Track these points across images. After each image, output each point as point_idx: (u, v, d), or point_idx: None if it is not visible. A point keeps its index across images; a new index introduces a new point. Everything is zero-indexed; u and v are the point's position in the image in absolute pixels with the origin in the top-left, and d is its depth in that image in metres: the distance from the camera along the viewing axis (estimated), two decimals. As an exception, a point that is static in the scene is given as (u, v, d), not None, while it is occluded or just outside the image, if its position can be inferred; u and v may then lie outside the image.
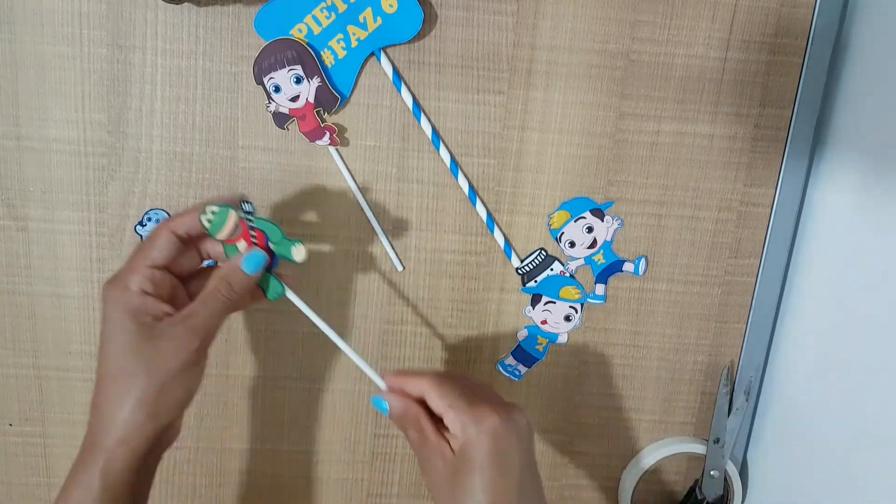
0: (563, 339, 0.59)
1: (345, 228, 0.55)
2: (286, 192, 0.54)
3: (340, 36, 0.51)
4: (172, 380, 0.42)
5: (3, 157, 0.52)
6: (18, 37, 0.50)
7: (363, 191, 0.55)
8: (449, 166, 0.54)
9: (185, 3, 0.50)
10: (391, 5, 0.50)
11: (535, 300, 0.58)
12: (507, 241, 0.56)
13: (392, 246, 0.56)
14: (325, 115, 0.52)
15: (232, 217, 0.44)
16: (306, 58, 0.51)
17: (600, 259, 0.57)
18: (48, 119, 0.52)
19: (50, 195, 0.53)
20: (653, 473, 0.62)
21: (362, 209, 0.55)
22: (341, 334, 0.57)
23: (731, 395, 0.60)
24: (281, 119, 0.52)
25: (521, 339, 0.59)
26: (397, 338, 0.58)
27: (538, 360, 0.59)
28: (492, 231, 0.56)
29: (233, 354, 0.57)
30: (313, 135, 0.53)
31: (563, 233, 0.56)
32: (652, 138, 0.55)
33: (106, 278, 0.44)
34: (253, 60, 0.51)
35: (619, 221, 0.56)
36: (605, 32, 0.53)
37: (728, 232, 0.57)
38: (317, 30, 0.51)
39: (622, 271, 0.58)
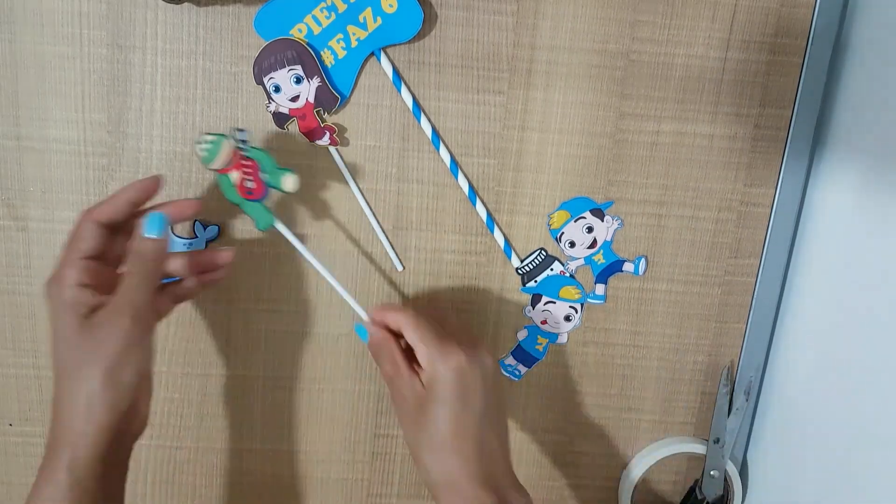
0: (563, 339, 0.59)
1: (345, 228, 0.55)
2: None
3: (340, 36, 0.51)
4: (118, 364, 0.42)
5: (3, 157, 0.52)
6: (18, 37, 0.50)
7: (363, 191, 0.55)
8: (449, 166, 0.54)
9: (185, 3, 0.50)
10: (391, 5, 0.50)
11: (535, 300, 0.58)
12: (507, 241, 0.56)
13: (392, 246, 0.56)
14: (325, 115, 0.52)
15: (226, 146, 0.45)
16: (306, 58, 0.51)
17: (600, 259, 0.57)
18: (48, 119, 0.52)
19: (50, 195, 0.53)
20: (653, 473, 0.62)
21: (362, 209, 0.55)
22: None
23: (731, 395, 0.60)
24: (281, 119, 0.52)
25: (521, 339, 0.59)
26: (397, 338, 0.58)
27: (538, 360, 0.59)
28: (492, 231, 0.56)
29: (233, 354, 0.57)
30: (313, 135, 0.53)
31: (563, 233, 0.56)
32: (652, 138, 0.55)
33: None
34: (253, 60, 0.51)
35: (619, 221, 0.56)
36: (605, 32, 0.53)
37: (728, 232, 0.57)
38: (317, 30, 0.51)
39: (622, 271, 0.58)
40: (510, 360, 0.59)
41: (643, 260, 0.57)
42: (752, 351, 0.60)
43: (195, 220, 0.54)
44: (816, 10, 0.53)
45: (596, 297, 0.58)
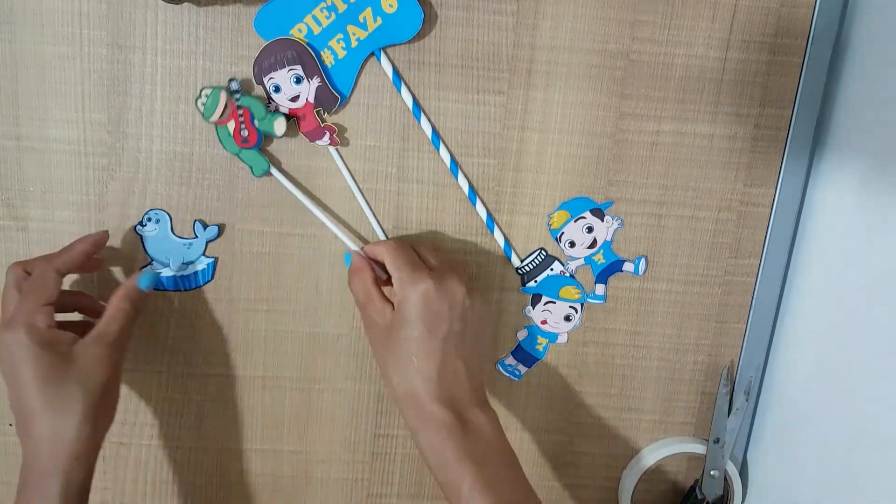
0: (563, 339, 0.59)
1: (344, 228, 0.55)
2: (286, 193, 0.54)
3: (340, 36, 0.51)
4: (106, 391, 0.47)
5: (3, 157, 0.52)
6: (18, 37, 0.50)
7: (363, 191, 0.55)
8: (449, 166, 0.54)
9: (185, 3, 0.50)
10: (391, 5, 0.50)
11: (535, 300, 0.58)
12: (507, 241, 0.56)
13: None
14: (326, 115, 0.52)
15: (222, 98, 0.50)
16: (306, 58, 0.51)
17: (600, 259, 0.57)
18: (48, 119, 0.52)
19: (50, 195, 0.53)
20: (653, 473, 0.62)
21: (359, 210, 0.55)
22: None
23: (731, 395, 0.60)
24: (281, 119, 0.52)
25: (521, 339, 0.59)
26: (397, 338, 0.58)
27: (538, 360, 0.59)
28: (492, 231, 0.56)
29: (233, 354, 0.57)
30: (313, 135, 0.53)
31: (563, 233, 0.56)
32: (652, 138, 0.55)
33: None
34: (253, 61, 0.51)
35: (619, 221, 0.56)
36: (605, 32, 0.53)
37: (728, 232, 0.57)
38: (317, 30, 0.51)
39: (622, 271, 0.58)
40: (510, 360, 0.59)
41: (643, 260, 0.57)
42: (752, 351, 0.60)
43: (195, 220, 0.54)
44: (816, 10, 0.53)
45: (596, 297, 0.58)
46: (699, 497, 0.61)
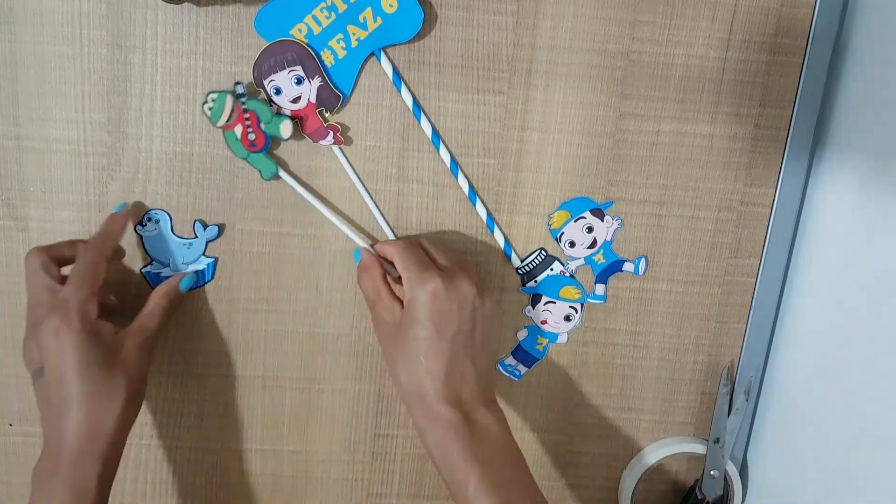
0: (563, 339, 0.59)
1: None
2: (286, 193, 0.54)
3: (340, 36, 0.51)
4: (142, 378, 0.50)
5: (3, 157, 0.52)
6: (18, 37, 0.50)
7: (363, 191, 0.55)
8: (449, 166, 0.54)
9: (185, 3, 0.50)
10: (391, 5, 0.50)
11: (535, 300, 0.58)
12: (507, 241, 0.56)
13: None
14: (328, 115, 0.52)
15: (228, 102, 0.50)
16: (306, 58, 0.51)
17: (600, 259, 0.57)
18: (48, 119, 0.52)
19: (50, 195, 0.53)
20: (653, 473, 0.62)
21: (362, 209, 0.55)
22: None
23: (731, 395, 0.60)
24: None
25: (521, 339, 0.59)
26: (397, 338, 0.58)
27: (538, 360, 0.59)
28: (492, 231, 0.56)
29: (233, 354, 0.57)
30: (317, 135, 0.53)
31: (563, 233, 0.56)
32: (652, 138, 0.55)
33: (51, 315, 0.47)
34: (253, 61, 0.51)
35: (619, 221, 0.56)
36: (605, 32, 0.53)
37: (728, 232, 0.57)
38: (317, 30, 0.51)
39: (622, 271, 0.58)
40: (510, 360, 0.59)
41: (643, 260, 0.57)
42: (752, 351, 0.60)
43: (195, 221, 0.54)
44: (816, 10, 0.53)
45: (596, 297, 0.58)
46: (699, 497, 0.61)
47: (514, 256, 0.57)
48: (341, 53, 0.51)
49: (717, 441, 0.61)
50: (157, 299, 0.52)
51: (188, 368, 0.57)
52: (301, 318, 0.57)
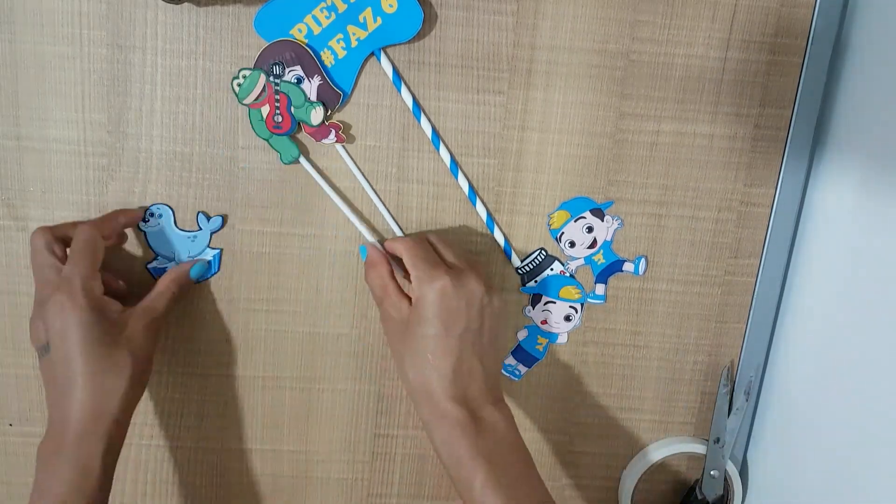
0: (563, 339, 0.59)
1: (345, 228, 0.55)
2: (286, 193, 0.54)
3: (340, 36, 0.51)
4: (148, 358, 0.50)
5: (3, 157, 0.52)
6: (18, 37, 0.50)
7: (364, 190, 0.55)
8: (449, 166, 0.54)
9: (185, 3, 0.50)
10: (391, 5, 0.50)
11: (535, 300, 0.58)
12: (507, 241, 0.56)
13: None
14: (329, 113, 0.52)
15: (261, 80, 0.50)
16: (305, 57, 0.51)
17: (600, 259, 0.57)
18: (48, 119, 0.52)
19: (50, 195, 0.53)
20: (653, 473, 0.62)
21: (363, 209, 0.55)
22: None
23: (731, 395, 0.60)
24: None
25: (521, 339, 0.59)
26: (397, 338, 0.58)
27: (538, 360, 0.59)
28: (492, 231, 0.56)
29: (233, 354, 0.57)
30: (319, 134, 0.53)
31: (563, 233, 0.56)
32: (652, 138, 0.55)
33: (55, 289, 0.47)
34: (253, 61, 0.51)
35: (619, 221, 0.56)
36: (605, 32, 0.53)
37: (728, 232, 0.57)
38: (317, 30, 0.51)
39: (622, 271, 0.58)
40: (510, 360, 0.59)
41: (643, 260, 0.57)
42: (752, 351, 0.60)
43: (198, 212, 0.54)
44: (816, 10, 0.53)
45: (596, 297, 0.58)
46: (699, 497, 0.61)
47: (514, 256, 0.57)
48: (341, 53, 0.51)
49: (717, 441, 0.61)
50: (166, 283, 0.53)
51: (188, 368, 0.57)
52: (301, 318, 0.57)
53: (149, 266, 0.55)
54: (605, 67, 0.54)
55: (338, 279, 0.56)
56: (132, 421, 0.57)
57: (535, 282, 0.57)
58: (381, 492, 0.62)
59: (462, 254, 0.53)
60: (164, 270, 0.54)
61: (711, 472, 0.61)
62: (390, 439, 0.60)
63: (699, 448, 0.61)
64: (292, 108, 0.51)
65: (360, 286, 0.56)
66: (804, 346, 0.58)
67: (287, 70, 0.51)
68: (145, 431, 0.58)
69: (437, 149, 0.54)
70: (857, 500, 0.50)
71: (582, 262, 0.57)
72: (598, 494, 0.63)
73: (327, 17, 0.50)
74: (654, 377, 0.60)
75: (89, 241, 0.49)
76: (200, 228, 0.54)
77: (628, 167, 0.55)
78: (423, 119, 0.53)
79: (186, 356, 0.57)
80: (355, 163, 0.54)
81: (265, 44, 0.51)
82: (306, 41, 0.51)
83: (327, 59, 0.51)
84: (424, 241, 0.52)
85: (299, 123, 0.52)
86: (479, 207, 0.55)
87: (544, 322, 0.58)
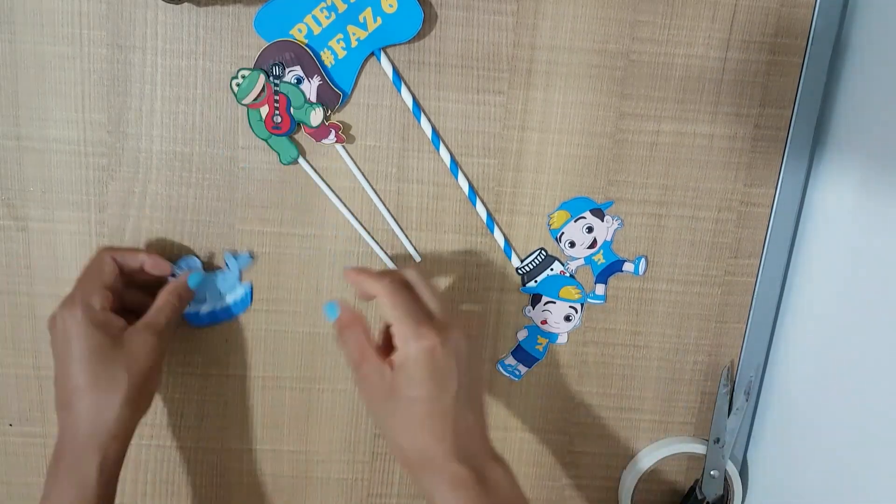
0: (563, 339, 0.59)
1: (345, 228, 0.55)
2: (286, 193, 0.54)
3: (340, 36, 0.51)
4: (148, 378, 0.50)
5: (3, 157, 0.52)
6: (18, 37, 0.50)
7: (364, 190, 0.55)
8: (449, 166, 0.54)
9: (185, 3, 0.50)
10: (391, 5, 0.50)
11: (535, 300, 0.58)
12: (507, 241, 0.56)
13: (408, 239, 0.56)
14: (329, 114, 0.52)
15: (260, 81, 0.50)
16: (304, 58, 0.51)
17: (600, 259, 0.57)
18: (48, 119, 0.52)
19: (50, 195, 0.53)
20: (653, 473, 0.62)
21: (363, 209, 0.55)
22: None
23: (731, 395, 0.60)
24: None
25: (521, 339, 0.59)
26: (397, 338, 0.58)
27: (538, 360, 0.59)
28: (492, 231, 0.56)
29: (233, 354, 0.57)
30: (319, 134, 0.53)
31: (563, 233, 0.56)
32: (652, 138, 0.55)
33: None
34: (253, 61, 0.51)
35: (619, 221, 0.56)
36: (605, 32, 0.53)
37: (728, 232, 0.57)
38: (317, 30, 0.51)
39: (622, 271, 0.58)
40: (510, 360, 0.59)
41: (643, 260, 0.57)
42: (752, 351, 0.60)
43: (225, 252, 0.54)
44: (816, 10, 0.53)
45: (596, 297, 0.58)
46: (699, 497, 0.61)
47: (514, 256, 0.57)
48: (341, 53, 0.51)
49: (717, 441, 0.61)
50: (165, 296, 0.52)
51: (188, 368, 0.57)
52: (301, 318, 0.57)
53: (184, 313, 0.55)
54: (605, 67, 0.54)
55: (338, 279, 0.56)
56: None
57: (535, 282, 0.57)
58: (381, 492, 0.62)
59: (438, 293, 0.50)
60: (197, 314, 0.55)
61: (711, 472, 0.61)
62: (390, 439, 0.60)
63: (699, 448, 0.61)
64: (292, 110, 0.51)
65: (360, 286, 0.56)
66: (804, 346, 0.58)
67: (287, 70, 0.51)
68: (145, 431, 0.58)
69: (437, 149, 0.54)
70: (857, 500, 0.50)
71: (582, 262, 0.57)
72: (598, 494, 0.63)
73: (327, 18, 0.50)
74: (654, 377, 0.60)
75: (95, 260, 0.51)
76: (229, 268, 0.54)
77: (628, 167, 0.55)
78: (423, 119, 0.53)
79: (186, 356, 0.57)
80: (355, 163, 0.54)
81: (265, 44, 0.51)
82: (306, 41, 0.51)
83: (327, 59, 0.51)
84: (404, 288, 0.48)
85: (299, 124, 0.52)
86: (479, 207, 0.55)
87: (544, 322, 0.58)
